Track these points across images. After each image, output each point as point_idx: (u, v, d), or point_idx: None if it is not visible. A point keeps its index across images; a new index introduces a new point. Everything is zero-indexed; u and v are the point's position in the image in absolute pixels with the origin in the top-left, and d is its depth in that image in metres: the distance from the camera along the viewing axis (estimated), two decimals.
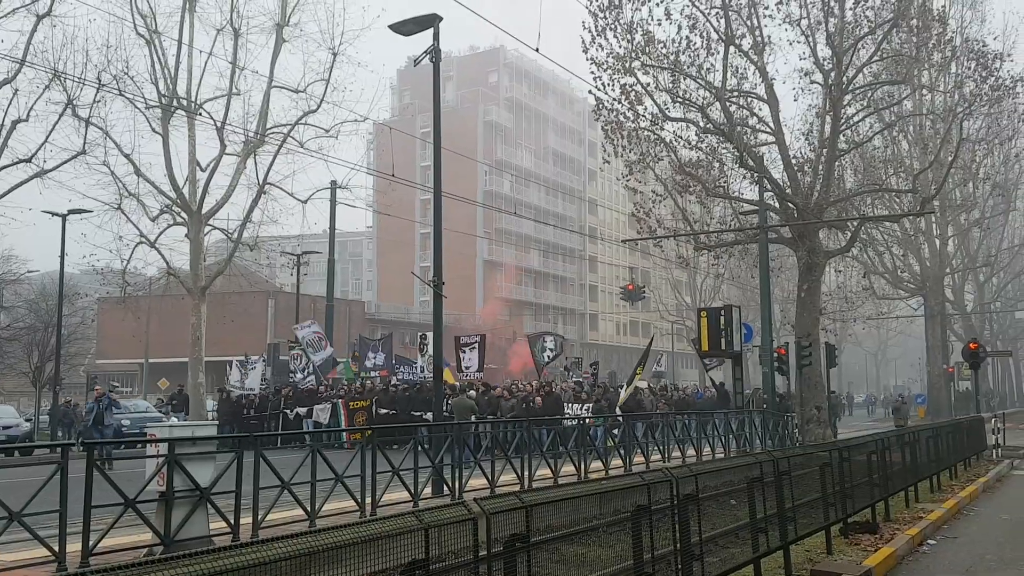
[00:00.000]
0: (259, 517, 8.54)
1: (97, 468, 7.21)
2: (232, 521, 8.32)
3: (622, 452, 15.77)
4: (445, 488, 11.79)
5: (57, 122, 22.95)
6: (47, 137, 22.53)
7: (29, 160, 22.14)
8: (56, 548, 7.03)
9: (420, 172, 65.40)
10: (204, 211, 29.02)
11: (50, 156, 23.86)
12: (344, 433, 22.58)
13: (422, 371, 26.30)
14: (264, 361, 28.12)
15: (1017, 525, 12.11)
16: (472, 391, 21.80)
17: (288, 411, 25.97)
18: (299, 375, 27.09)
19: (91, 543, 7.18)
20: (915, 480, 13.16)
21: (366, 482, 9.98)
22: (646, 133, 28.56)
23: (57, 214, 24.89)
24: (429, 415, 21.83)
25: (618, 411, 20.40)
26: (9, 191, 22.22)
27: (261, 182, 28.66)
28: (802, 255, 28.22)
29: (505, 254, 79.27)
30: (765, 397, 23.43)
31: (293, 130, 29.56)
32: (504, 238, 78.40)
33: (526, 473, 12.67)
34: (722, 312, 21.68)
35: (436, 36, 12.83)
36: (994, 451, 22.11)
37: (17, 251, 51.18)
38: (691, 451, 18.00)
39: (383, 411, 24.42)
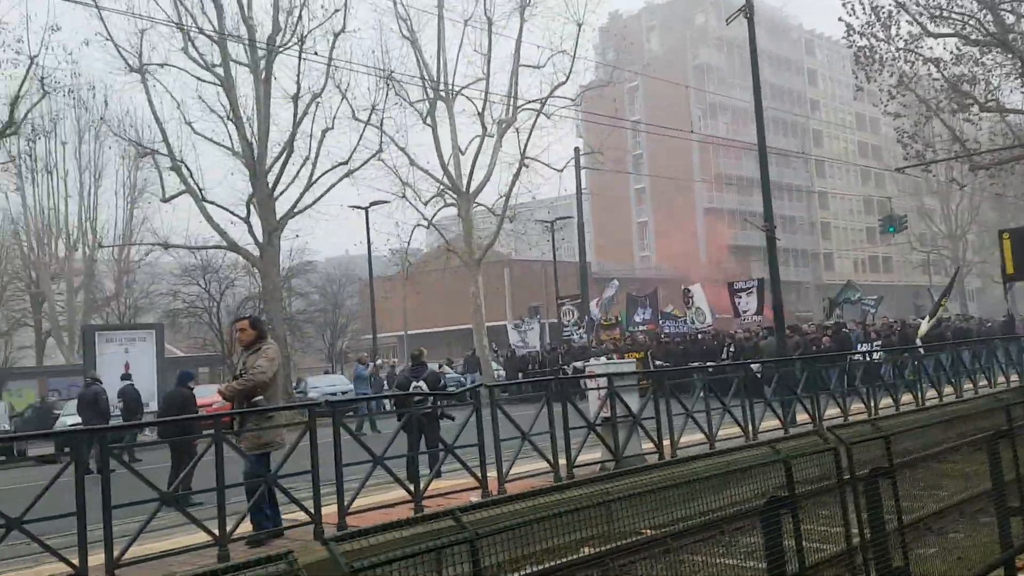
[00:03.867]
0: (675, 439, 9.98)
1: (573, 405, 8.81)
2: (657, 441, 9.79)
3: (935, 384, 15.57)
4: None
5: (364, 129, 26.18)
6: (358, 142, 25.79)
7: (346, 163, 25.42)
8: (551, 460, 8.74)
9: (630, 128, 65.58)
10: (471, 190, 31.52)
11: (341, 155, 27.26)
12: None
13: (691, 323, 27.29)
14: (539, 322, 30.43)
15: None
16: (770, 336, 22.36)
17: (566, 367, 27.98)
18: (573, 333, 29.00)
19: (574, 456, 8.89)
20: None
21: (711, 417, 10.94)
22: (903, 54, 27.34)
23: (360, 207, 28.39)
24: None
25: (919, 343, 20.13)
26: (327, 191, 25.75)
27: (521, 157, 30.55)
28: None
29: (726, 200, 77.55)
30: None
31: (544, 104, 31.15)
32: (724, 183, 76.81)
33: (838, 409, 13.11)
34: None
35: None
36: None
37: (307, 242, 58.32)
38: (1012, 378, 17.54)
39: (658, 363, 25.64)
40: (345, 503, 7.10)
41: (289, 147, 24.37)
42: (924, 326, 20.65)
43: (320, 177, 25.05)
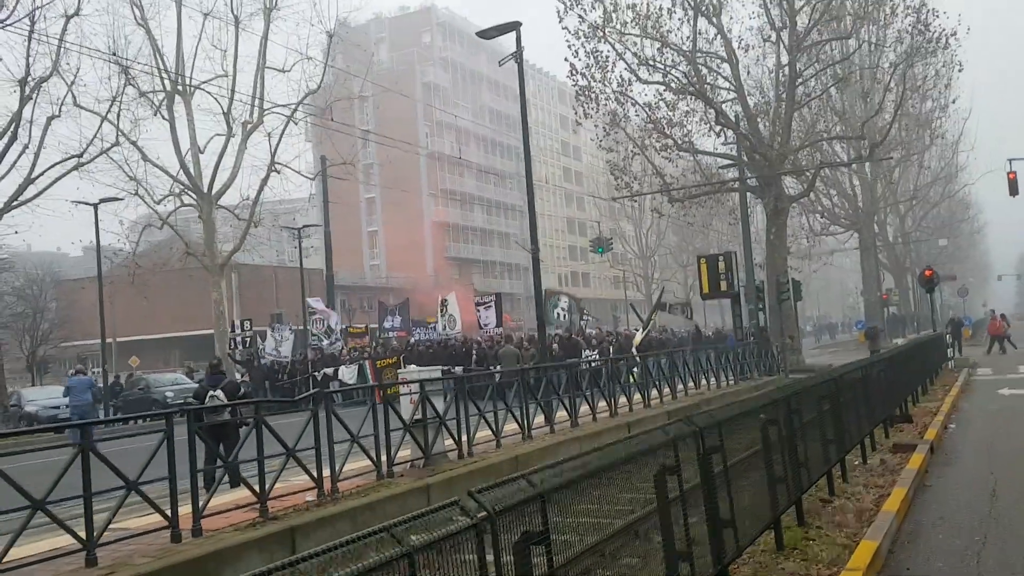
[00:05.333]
0: (472, 436, 11.13)
1: (393, 409, 9.52)
2: (457, 438, 10.88)
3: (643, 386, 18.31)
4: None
5: (102, 124, 24.01)
6: (95, 134, 23.65)
7: (80, 156, 23.22)
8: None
9: (361, 138, 66.18)
10: (213, 192, 30.31)
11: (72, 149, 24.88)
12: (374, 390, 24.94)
13: (444, 329, 28.81)
14: (292, 331, 30.12)
15: (1007, 411, 15.54)
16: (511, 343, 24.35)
17: (316, 373, 28.08)
18: (324, 341, 29.14)
19: (392, 455, 9.65)
20: (919, 383, 16.53)
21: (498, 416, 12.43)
22: (616, 96, 31.18)
23: (88, 203, 25.93)
24: (458, 369, 24.46)
25: (634, 352, 23.27)
26: (52, 184, 23.32)
27: (271, 161, 30.06)
28: (769, 201, 31.52)
29: (451, 215, 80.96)
30: (753, 331, 26.68)
31: (295, 110, 30.91)
32: (449, 198, 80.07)
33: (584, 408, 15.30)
34: (721, 257, 24.66)
35: (518, 40, 15.07)
36: (950, 362, 26.02)
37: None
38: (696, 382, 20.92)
39: (411, 366, 26.77)
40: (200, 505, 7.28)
41: (13, 135, 21.87)
42: (638, 336, 23.85)
43: (48, 169, 22.79)
